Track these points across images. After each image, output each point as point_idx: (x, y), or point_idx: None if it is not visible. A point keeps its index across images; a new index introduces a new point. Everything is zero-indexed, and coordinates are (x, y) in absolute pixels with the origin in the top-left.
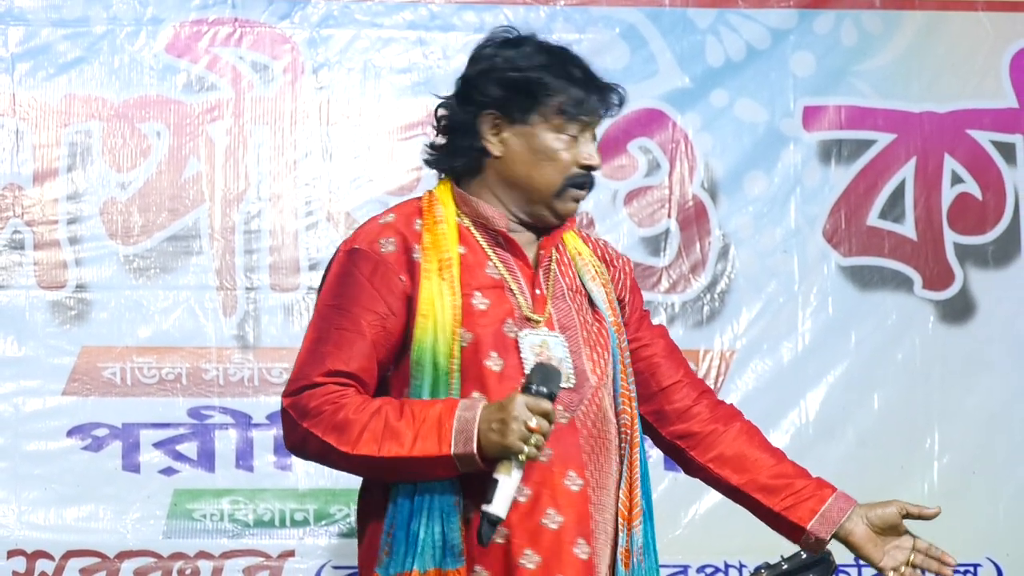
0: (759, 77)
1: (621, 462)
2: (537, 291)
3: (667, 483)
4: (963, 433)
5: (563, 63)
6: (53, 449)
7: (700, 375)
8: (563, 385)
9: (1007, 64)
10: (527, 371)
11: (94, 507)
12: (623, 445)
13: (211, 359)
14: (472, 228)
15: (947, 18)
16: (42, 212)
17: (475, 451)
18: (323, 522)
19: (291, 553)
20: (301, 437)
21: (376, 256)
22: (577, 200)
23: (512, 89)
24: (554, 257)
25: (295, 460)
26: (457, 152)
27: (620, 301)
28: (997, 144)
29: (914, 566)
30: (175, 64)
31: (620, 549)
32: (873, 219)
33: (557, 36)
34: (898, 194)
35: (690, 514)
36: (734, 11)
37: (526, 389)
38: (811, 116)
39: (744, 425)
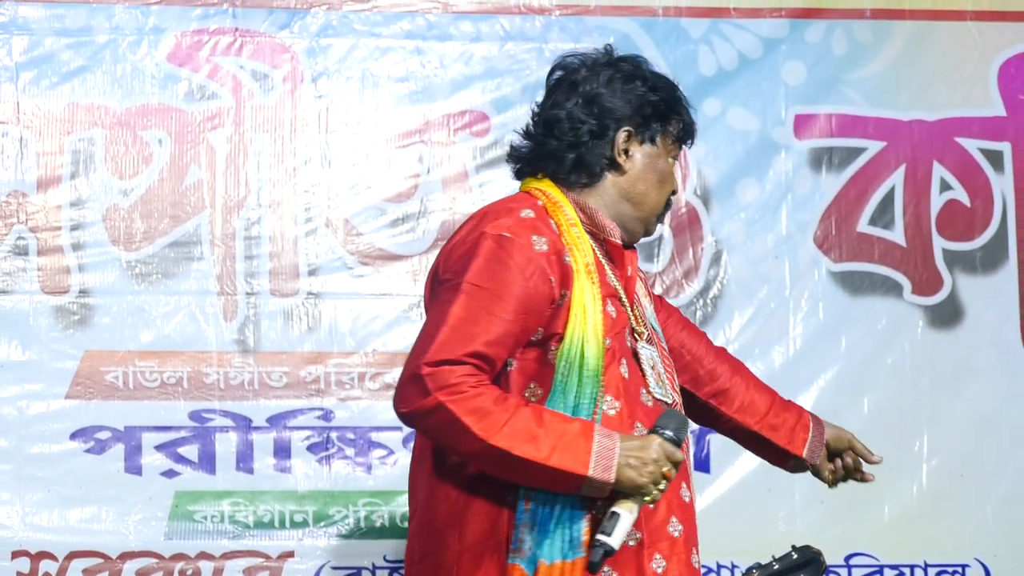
0: (751, 86)
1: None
2: (635, 304)
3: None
4: (952, 436)
5: (679, 91)
6: (56, 452)
7: None
8: (666, 400)
9: (995, 73)
10: (650, 385)
11: (97, 509)
12: None
13: (212, 363)
14: (588, 235)
15: (936, 28)
16: (46, 218)
17: (612, 480)
18: (322, 523)
19: (291, 554)
20: (432, 406)
21: (530, 251)
22: (663, 222)
23: (649, 109)
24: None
25: (295, 462)
26: (584, 161)
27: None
28: (985, 152)
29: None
30: (176, 73)
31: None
32: (863, 225)
33: (552, 46)
34: (888, 201)
35: None
36: (726, 21)
37: (661, 433)
38: (802, 124)
39: (741, 368)
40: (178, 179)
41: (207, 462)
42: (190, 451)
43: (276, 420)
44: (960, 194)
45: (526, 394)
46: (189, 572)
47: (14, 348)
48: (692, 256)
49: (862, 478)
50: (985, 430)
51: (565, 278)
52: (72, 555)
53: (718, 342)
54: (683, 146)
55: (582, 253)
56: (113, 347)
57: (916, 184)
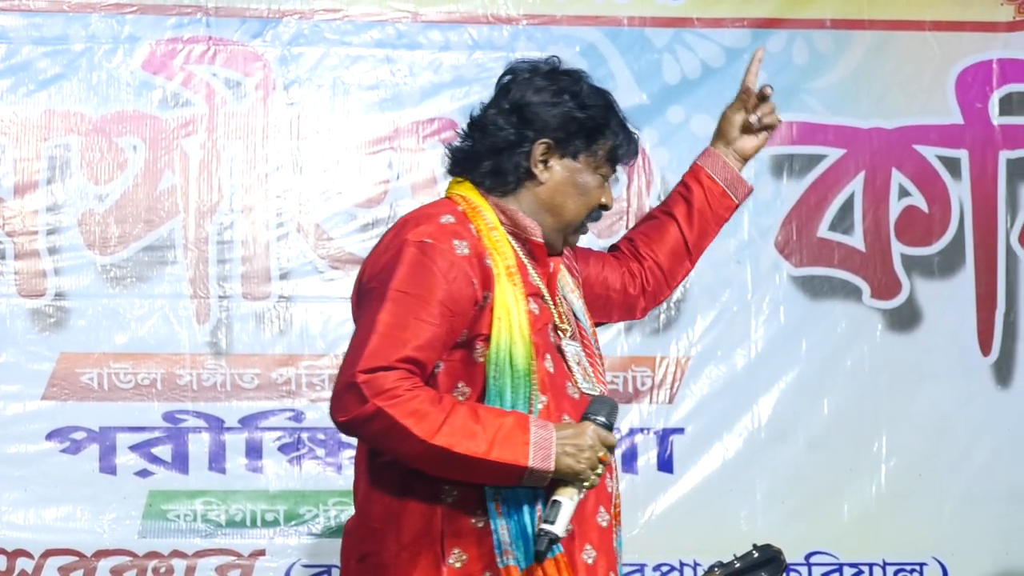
0: (714, 94)
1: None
2: (557, 299)
3: (624, 485)
4: (910, 437)
5: (616, 109)
6: (32, 452)
7: (657, 381)
8: (592, 392)
9: (953, 82)
10: (576, 379)
11: (72, 508)
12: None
13: (185, 365)
14: (510, 237)
15: (895, 37)
16: (22, 223)
17: (552, 468)
18: (293, 522)
19: (262, 552)
20: (371, 412)
21: (452, 255)
22: (584, 233)
23: (573, 126)
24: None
25: (266, 463)
26: (500, 168)
27: (584, 281)
28: (943, 159)
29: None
30: (151, 80)
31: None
32: (823, 231)
33: (520, 54)
34: (847, 207)
35: (647, 515)
36: (690, 30)
37: (593, 420)
38: None
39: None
40: (152, 185)
41: (180, 462)
42: (164, 451)
43: (248, 421)
44: (918, 200)
45: (455, 394)
46: (162, 570)
47: None
48: None
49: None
50: (942, 431)
51: (487, 280)
52: (48, 553)
53: (681, 344)
54: (618, 164)
55: (503, 256)
56: (88, 349)
57: (875, 190)
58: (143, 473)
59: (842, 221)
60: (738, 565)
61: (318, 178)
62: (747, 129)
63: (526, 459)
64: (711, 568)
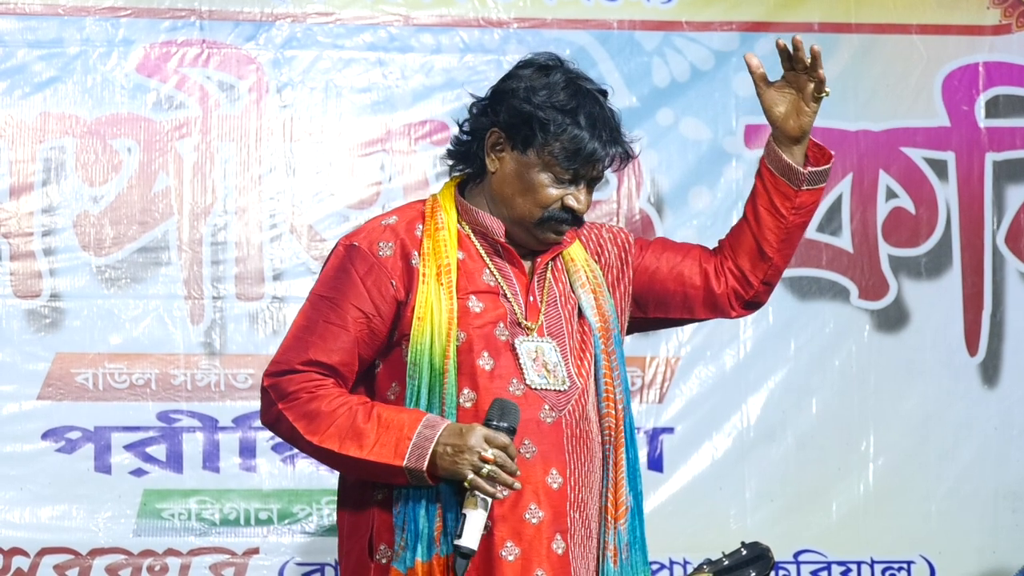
0: (703, 97)
1: (606, 462)
2: (531, 298)
3: None
4: (897, 436)
5: (577, 110)
6: (28, 451)
7: (647, 380)
8: (558, 388)
9: (939, 85)
10: (526, 375)
11: (67, 506)
12: (607, 446)
13: (179, 365)
14: (472, 235)
15: (882, 41)
16: (18, 225)
17: (425, 468)
18: (286, 521)
19: (256, 551)
20: (275, 417)
21: (373, 258)
22: (558, 234)
23: (519, 119)
24: (549, 266)
25: (260, 462)
26: (466, 155)
27: (620, 279)
28: (930, 161)
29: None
30: (145, 83)
31: (609, 547)
32: (811, 232)
33: (510, 57)
34: (835, 208)
35: None
36: (679, 34)
37: (487, 423)
38: (752, 134)
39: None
40: (147, 186)
41: (175, 461)
42: (158, 451)
43: (242, 421)
44: (905, 202)
45: (389, 393)
46: (157, 568)
47: None
48: None
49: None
50: (929, 430)
51: (409, 281)
52: (43, 551)
53: (671, 344)
54: (579, 168)
55: (440, 256)
56: (83, 349)
57: (863, 192)
58: (138, 472)
59: (830, 223)
60: (727, 563)
61: (311, 180)
62: (786, 107)
63: (402, 459)
64: (700, 566)
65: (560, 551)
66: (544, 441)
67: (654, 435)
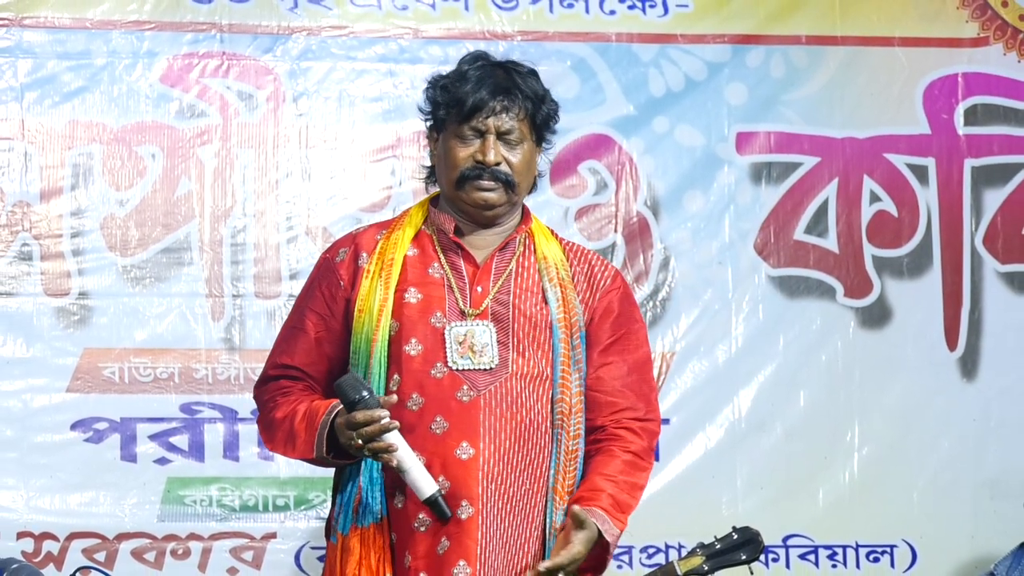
0: (697, 106)
1: (557, 446)
2: (479, 288)
3: None
4: (880, 427)
5: (466, 74)
6: (58, 441)
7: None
8: (483, 368)
9: (921, 94)
10: (448, 357)
11: (95, 493)
12: (558, 430)
13: (201, 360)
14: (435, 235)
15: (866, 52)
16: (48, 227)
17: (323, 452)
18: (302, 507)
19: (273, 535)
20: (257, 426)
21: (331, 264)
22: (481, 190)
23: (431, 106)
24: (517, 259)
25: None
26: (428, 170)
27: (589, 308)
28: (912, 167)
29: None
30: (168, 93)
31: (555, 524)
32: (799, 234)
33: None
34: (822, 211)
35: None
36: (674, 46)
37: (346, 409)
38: (743, 141)
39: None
40: (170, 190)
41: (197, 451)
42: (181, 440)
43: None
44: (888, 205)
45: None
46: (180, 552)
47: (19, 346)
48: (643, 262)
49: None
50: (911, 421)
51: (355, 279)
52: (72, 536)
53: (666, 340)
54: (477, 123)
55: (386, 253)
56: (110, 345)
57: (848, 196)
58: (162, 461)
59: (817, 225)
60: (719, 546)
61: (325, 184)
62: None
63: (314, 450)
64: (694, 549)
65: (465, 516)
66: (456, 417)
67: None
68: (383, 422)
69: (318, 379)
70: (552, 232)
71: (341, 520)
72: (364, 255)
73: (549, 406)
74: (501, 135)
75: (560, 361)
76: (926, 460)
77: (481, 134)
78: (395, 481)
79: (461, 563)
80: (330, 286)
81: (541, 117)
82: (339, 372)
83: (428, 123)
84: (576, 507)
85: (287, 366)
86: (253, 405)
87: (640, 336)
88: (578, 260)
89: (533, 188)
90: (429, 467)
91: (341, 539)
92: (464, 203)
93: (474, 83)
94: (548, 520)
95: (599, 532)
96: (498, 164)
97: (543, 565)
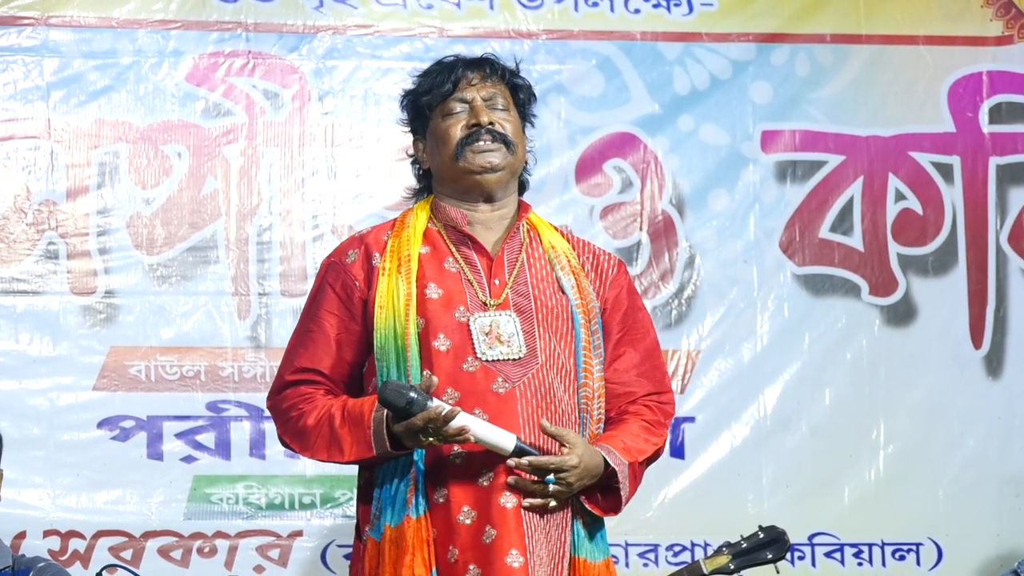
0: (721, 104)
1: (584, 431)
2: (496, 280)
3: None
4: (906, 425)
5: (429, 71)
6: (84, 439)
7: (669, 372)
8: (513, 358)
9: (945, 93)
10: (477, 349)
11: (121, 491)
12: (584, 414)
13: (227, 358)
14: (443, 231)
15: (891, 51)
16: (74, 225)
17: (389, 448)
18: (328, 505)
19: (299, 533)
20: (281, 438)
21: (341, 266)
22: (481, 152)
23: (411, 112)
24: (525, 249)
25: None
26: (418, 179)
27: (600, 298)
28: (936, 165)
29: None
30: (194, 92)
31: (580, 510)
32: (824, 232)
33: (539, 67)
34: (847, 210)
35: (660, 498)
36: (699, 45)
37: (401, 418)
38: (768, 139)
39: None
40: (196, 189)
41: (223, 449)
42: (207, 438)
43: None
44: (913, 203)
45: (370, 388)
46: (206, 550)
47: (46, 344)
48: (668, 260)
49: None
50: (936, 419)
51: (370, 279)
52: (99, 534)
53: (692, 338)
54: (457, 92)
55: (401, 250)
56: (136, 343)
57: (873, 194)
58: (188, 459)
59: (842, 223)
60: (745, 545)
61: (351, 183)
62: None
63: (372, 450)
64: (720, 548)
65: (509, 506)
66: (494, 409)
67: (676, 424)
68: (443, 414)
69: (338, 382)
70: (550, 224)
71: (387, 514)
72: (376, 255)
73: (575, 393)
74: (486, 101)
75: (582, 347)
76: (951, 458)
77: (467, 103)
78: (436, 476)
79: (513, 552)
80: (344, 287)
81: (519, 86)
82: (358, 375)
83: (411, 130)
84: (547, 425)
85: (307, 369)
86: None
87: (646, 323)
88: (583, 250)
89: (526, 170)
90: (473, 462)
91: (389, 531)
92: (466, 174)
93: (449, 64)
94: (577, 503)
95: (605, 462)
96: (492, 124)
97: (529, 460)
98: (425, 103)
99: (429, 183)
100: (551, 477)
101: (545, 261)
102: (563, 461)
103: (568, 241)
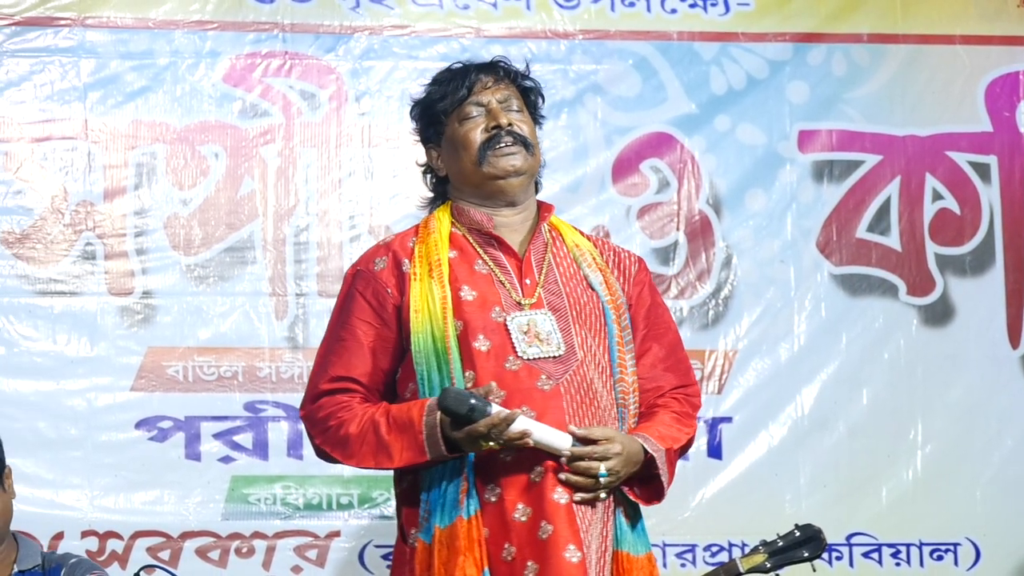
0: (758, 104)
1: (623, 425)
2: (527, 280)
3: (676, 469)
4: (944, 425)
5: (440, 78)
6: (122, 440)
7: (705, 373)
8: (553, 355)
9: (982, 92)
10: (517, 348)
11: (159, 492)
12: (621, 409)
13: (264, 358)
14: (467, 235)
15: (928, 51)
16: (112, 226)
17: (445, 452)
18: (366, 505)
19: (337, 533)
20: (317, 449)
21: (370, 274)
22: (504, 155)
23: (424, 121)
24: (550, 249)
25: None
26: (433, 189)
27: (625, 294)
28: (974, 164)
29: None
30: (231, 92)
31: (622, 503)
32: (862, 232)
33: (576, 67)
34: (884, 209)
35: (697, 498)
36: (735, 44)
37: (464, 422)
38: (805, 139)
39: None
40: (233, 190)
41: (260, 449)
42: (245, 439)
43: None
44: (951, 203)
45: (407, 393)
46: (244, 550)
47: (83, 345)
48: (705, 260)
49: None
50: (974, 419)
51: (402, 284)
52: (137, 534)
53: (729, 338)
54: (472, 96)
55: (431, 255)
56: (174, 344)
57: (910, 194)
58: (226, 459)
59: (879, 223)
60: (781, 544)
61: (388, 183)
62: None
63: (425, 454)
64: (756, 547)
65: (564, 502)
66: (541, 406)
67: (713, 424)
68: (504, 417)
69: (373, 389)
70: (569, 224)
71: (436, 516)
72: (406, 260)
73: (612, 389)
74: (501, 104)
75: (615, 343)
76: (989, 457)
77: (483, 107)
78: (487, 475)
79: (571, 547)
80: (376, 294)
81: (529, 88)
82: (392, 382)
83: (424, 139)
84: (576, 428)
85: (342, 378)
86: None
87: (667, 318)
88: (604, 249)
89: (540, 169)
90: (525, 460)
91: (439, 532)
92: (490, 180)
93: (461, 69)
94: (620, 495)
95: (643, 449)
96: (511, 125)
97: (573, 450)
98: (441, 109)
99: (444, 190)
100: (603, 471)
101: (571, 260)
102: (607, 449)
103: (590, 240)
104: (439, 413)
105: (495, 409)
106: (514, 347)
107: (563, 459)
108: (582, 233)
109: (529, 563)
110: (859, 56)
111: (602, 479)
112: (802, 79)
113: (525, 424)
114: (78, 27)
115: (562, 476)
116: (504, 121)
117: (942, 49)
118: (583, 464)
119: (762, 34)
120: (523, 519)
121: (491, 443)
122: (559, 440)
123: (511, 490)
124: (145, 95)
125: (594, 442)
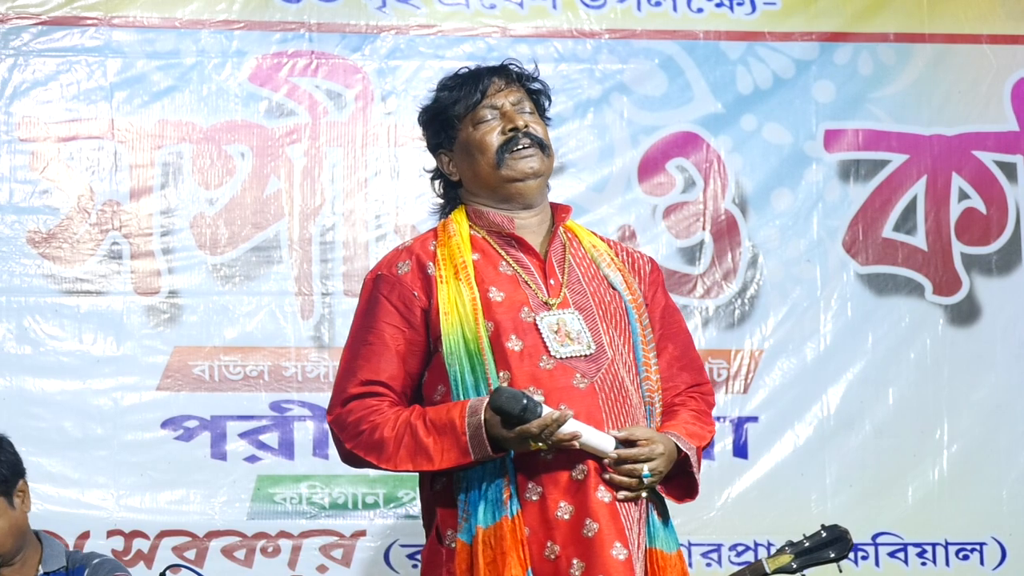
0: (784, 103)
1: (651, 422)
2: (551, 280)
3: (702, 469)
4: (970, 424)
5: (449, 84)
6: (148, 439)
7: (731, 373)
8: (584, 353)
9: (1009, 91)
10: (550, 348)
11: (185, 491)
12: (648, 407)
13: (290, 358)
14: (488, 237)
15: (954, 50)
16: (138, 226)
17: (491, 451)
18: (392, 505)
19: (363, 533)
20: (348, 454)
21: (394, 278)
22: (523, 158)
23: (435, 126)
24: (568, 250)
25: None
26: (444, 195)
27: (642, 294)
28: (1000, 164)
29: None
30: (258, 92)
31: (654, 499)
32: (888, 231)
33: (602, 67)
34: (910, 209)
35: (723, 498)
36: (762, 44)
37: (514, 423)
38: (831, 139)
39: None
40: (259, 189)
41: (286, 448)
42: (271, 438)
43: None
44: (977, 203)
45: (436, 395)
46: (270, 550)
47: (109, 344)
48: (731, 259)
49: None
50: (1000, 418)
51: (428, 287)
52: (163, 534)
53: (755, 338)
54: (486, 99)
55: (455, 257)
56: (200, 343)
57: (936, 193)
58: (251, 459)
59: (905, 222)
60: (808, 544)
61: (414, 183)
62: None
63: (469, 456)
64: (782, 547)
65: (607, 500)
66: (580, 405)
67: (739, 424)
68: (556, 418)
69: (401, 393)
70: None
71: (477, 515)
72: (430, 264)
73: (639, 387)
74: (515, 106)
75: (639, 341)
76: (1015, 457)
77: (497, 110)
78: (528, 474)
79: (617, 545)
80: (402, 298)
81: (538, 90)
82: (418, 385)
83: (434, 144)
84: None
85: (371, 382)
86: None
87: (678, 317)
88: (618, 250)
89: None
90: (568, 456)
91: (481, 532)
92: (508, 182)
93: (472, 74)
94: (651, 494)
95: (676, 448)
96: (527, 127)
97: (619, 453)
98: (454, 114)
99: (455, 195)
100: (647, 472)
101: (590, 261)
102: (652, 450)
103: (605, 242)
104: (485, 413)
105: (546, 410)
106: (546, 346)
107: (607, 460)
108: (594, 233)
109: (575, 561)
110: (885, 55)
111: (646, 479)
112: (828, 78)
113: (576, 426)
114: (104, 27)
115: (606, 476)
116: (520, 123)
117: (969, 48)
118: (628, 466)
119: (788, 33)
120: (566, 517)
121: (539, 443)
122: (604, 442)
123: (553, 489)
124: (171, 95)
125: (634, 443)
